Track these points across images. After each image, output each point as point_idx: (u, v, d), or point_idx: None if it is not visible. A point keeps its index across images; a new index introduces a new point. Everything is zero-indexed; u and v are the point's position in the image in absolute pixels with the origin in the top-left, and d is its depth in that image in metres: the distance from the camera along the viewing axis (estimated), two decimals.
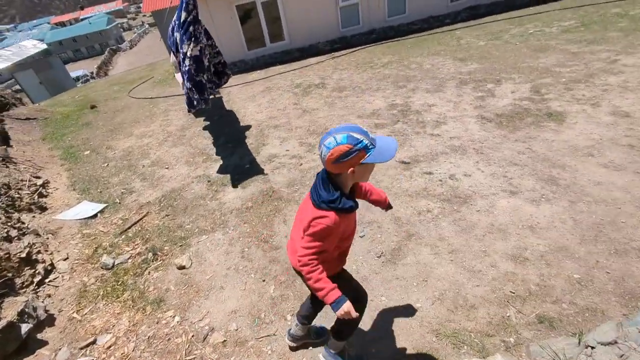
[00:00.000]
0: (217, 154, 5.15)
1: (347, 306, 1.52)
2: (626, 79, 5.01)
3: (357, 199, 1.61)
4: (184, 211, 3.88)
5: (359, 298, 1.87)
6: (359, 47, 9.81)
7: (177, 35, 4.16)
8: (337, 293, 1.53)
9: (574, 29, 7.51)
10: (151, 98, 8.99)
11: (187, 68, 3.95)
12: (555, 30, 7.75)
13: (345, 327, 1.94)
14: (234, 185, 4.22)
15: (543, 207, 3.10)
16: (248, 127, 5.92)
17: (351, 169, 1.42)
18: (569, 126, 4.22)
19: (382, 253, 2.91)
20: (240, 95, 7.78)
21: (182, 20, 3.88)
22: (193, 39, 3.88)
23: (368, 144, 1.40)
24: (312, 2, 9.74)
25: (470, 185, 3.54)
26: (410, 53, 8.28)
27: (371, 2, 9.98)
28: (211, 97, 4.82)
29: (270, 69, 9.49)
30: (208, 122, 6.48)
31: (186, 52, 3.88)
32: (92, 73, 34.25)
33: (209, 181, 4.42)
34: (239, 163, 4.78)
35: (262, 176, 4.32)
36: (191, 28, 3.84)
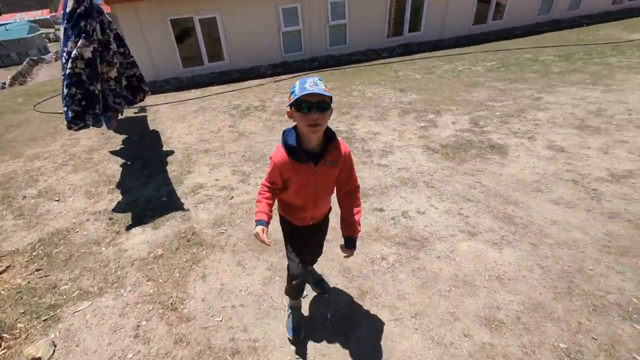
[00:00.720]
0: (127, 183, 4.09)
1: (256, 230, 1.54)
2: (553, 115, 5.07)
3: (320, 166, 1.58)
4: (65, 263, 2.78)
5: (290, 268, 1.90)
6: (302, 73, 9.36)
7: (61, 28, 3.14)
8: (258, 217, 1.59)
9: (497, 69, 7.83)
10: (60, 113, 7.49)
11: (69, 71, 2.96)
12: (481, 68, 8.04)
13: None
14: (143, 225, 3.24)
15: (506, 251, 2.66)
16: (172, 152, 4.93)
17: (288, 110, 1.51)
18: (513, 159, 3.99)
19: (329, 320, 2.19)
20: (169, 115, 6.74)
21: (68, 11, 2.92)
22: (83, 35, 2.93)
23: (297, 89, 1.40)
24: (255, 25, 9.14)
25: (425, 225, 3.01)
26: (352, 81, 7.99)
27: (313, 30, 9.69)
28: (121, 116, 3.82)
29: (207, 89, 8.56)
30: (124, 144, 5.35)
31: (71, 51, 2.92)
32: (3, 84, 29.63)
33: (110, 219, 3.37)
34: (153, 195, 3.79)
35: (181, 212, 3.40)
36: (82, 22, 2.91)
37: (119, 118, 5.18)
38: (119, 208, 3.55)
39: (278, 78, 9.01)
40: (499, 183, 3.55)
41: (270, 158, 1.59)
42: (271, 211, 1.64)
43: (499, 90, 6.41)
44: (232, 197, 3.64)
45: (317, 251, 2.17)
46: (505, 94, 6.14)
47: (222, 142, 5.14)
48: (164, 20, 8.42)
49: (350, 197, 1.74)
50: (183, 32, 8.80)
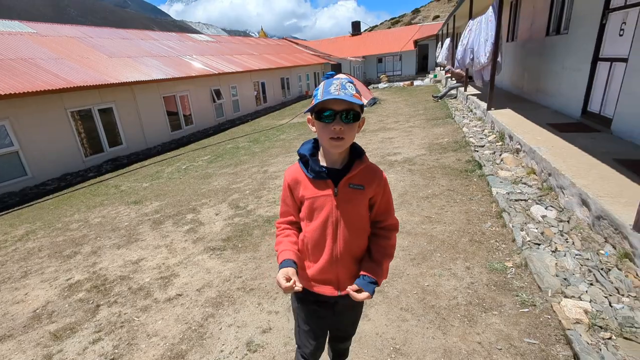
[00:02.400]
0: None
1: (279, 275, 1.13)
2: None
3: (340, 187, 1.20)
4: None
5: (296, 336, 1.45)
6: None
7: None
8: (282, 256, 1.21)
9: (216, 160, 8.29)
10: None
11: None
12: (203, 162, 8.23)
13: None
14: None
15: None
16: None
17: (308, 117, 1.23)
18: None
19: None
20: None
21: None
22: None
23: (320, 92, 1.13)
24: None
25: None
26: (60, 213, 5.83)
27: None
28: None
29: None
30: None
31: None
32: None
33: None
34: None
35: None
36: None
37: None
38: None
39: None
40: None
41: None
42: (297, 249, 1.26)
43: (232, 174, 6.69)
44: None
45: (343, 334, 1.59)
46: (239, 176, 6.47)
47: None
48: None
49: (386, 232, 1.28)
50: None
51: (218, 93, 14.30)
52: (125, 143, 10.22)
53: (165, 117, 11.73)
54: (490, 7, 7.18)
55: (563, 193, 3.37)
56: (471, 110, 9.02)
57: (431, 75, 23.10)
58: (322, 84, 1.17)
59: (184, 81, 12.29)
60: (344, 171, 1.20)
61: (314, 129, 1.20)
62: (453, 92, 12.44)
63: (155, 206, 5.45)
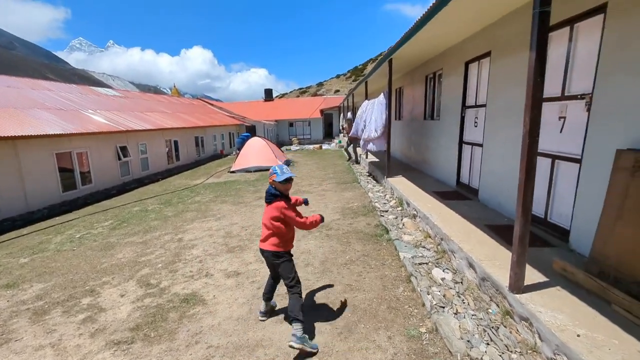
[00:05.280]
0: None
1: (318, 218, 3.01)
2: (204, 249, 5.37)
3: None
4: None
5: (298, 279, 2.94)
6: None
7: None
8: (316, 217, 3.01)
9: (119, 226, 7.26)
10: None
11: None
12: (102, 230, 7.10)
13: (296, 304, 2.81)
14: None
15: None
16: None
17: (270, 180, 2.92)
18: (214, 302, 3.73)
19: None
20: None
21: None
22: None
23: (278, 172, 2.89)
24: None
25: None
26: None
27: None
28: None
29: None
30: None
31: None
32: None
33: None
34: None
35: None
36: None
37: None
38: None
39: None
40: (225, 334, 3.14)
41: (285, 208, 2.84)
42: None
43: (141, 243, 5.91)
44: None
45: None
46: (149, 245, 5.75)
47: None
48: None
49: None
50: None
51: (124, 150, 12.99)
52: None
53: (57, 176, 9.99)
54: (382, 93, 8.52)
55: (454, 256, 3.90)
56: (373, 177, 10.07)
57: (336, 141, 25.47)
58: (277, 168, 2.94)
59: (82, 137, 10.88)
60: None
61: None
62: (361, 155, 13.78)
63: (37, 290, 4.37)
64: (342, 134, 24.74)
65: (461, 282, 3.50)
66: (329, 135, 33.73)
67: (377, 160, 11.79)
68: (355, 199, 7.80)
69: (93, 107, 14.31)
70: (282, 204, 2.80)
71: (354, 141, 13.05)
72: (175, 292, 4.00)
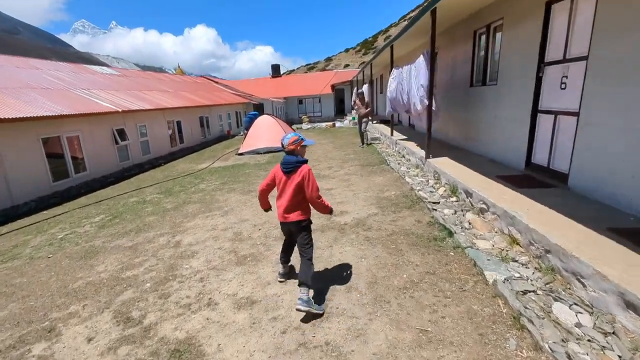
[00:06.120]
0: None
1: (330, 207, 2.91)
2: (207, 259, 4.13)
3: None
4: None
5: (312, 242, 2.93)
6: None
7: None
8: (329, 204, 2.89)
9: (110, 223, 6.08)
10: None
11: None
12: (90, 228, 5.93)
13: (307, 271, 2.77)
14: None
15: None
16: None
17: (295, 147, 2.80)
18: (223, 357, 2.48)
19: None
20: None
21: None
22: None
23: (304, 137, 2.86)
24: None
25: None
26: None
27: None
28: None
29: None
30: None
31: None
32: None
33: None
34: None
35: None
36: None
37: None
38: None
39: None
40: None
41: (310, 175, 2.72)
42: None
43: (129, 249, 4.71)
44: None
45: None
46: (140, 252, 4.54)
47: None
48: None
49: None
50: None
51: (122, 133, 11.73)
52: None
53: (45, 164, 8.82)
54: (422, 54, 6.90)
55: (582, 282, 2.53)
56: (403, 157, 8.60)
57: (349, 117, 23.68)
58: (301, 134, 3.16)
59: (72, 119, 9.62)
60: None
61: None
62: (376, 134, 12.14)
63: None
64: (354, 110, 22.99)
65: (613, 333, 2.15)
66: (340, 112, 31.84)
67: (405, 137, 10.24)
68: (389, 186, 6.40)
69: (85, 86, 12.97)
70: (309, 167, 2.78)
71: (365, 117, 11.16)
72: (163, 337, 2.76)
